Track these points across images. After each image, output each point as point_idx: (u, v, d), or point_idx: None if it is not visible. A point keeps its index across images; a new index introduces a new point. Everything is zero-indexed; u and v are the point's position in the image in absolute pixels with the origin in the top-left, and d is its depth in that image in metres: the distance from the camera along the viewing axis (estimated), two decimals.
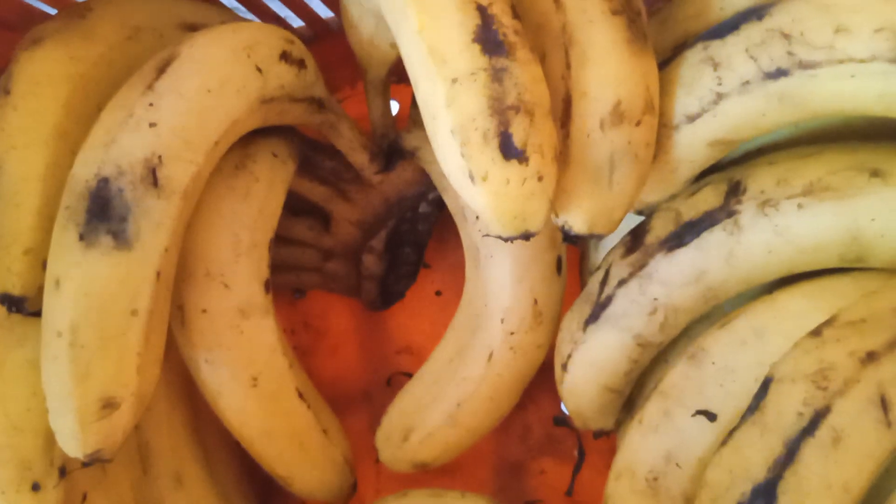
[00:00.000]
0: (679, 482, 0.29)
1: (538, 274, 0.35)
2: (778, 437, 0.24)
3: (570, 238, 0.29)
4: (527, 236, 0.26)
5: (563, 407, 0.41)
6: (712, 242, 0.29)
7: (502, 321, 0.35)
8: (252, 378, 0.34)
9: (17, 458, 0.29)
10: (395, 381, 0.43)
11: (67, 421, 0.27)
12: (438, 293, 0.43)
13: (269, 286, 0.34)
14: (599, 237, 0.29)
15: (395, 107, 0.46)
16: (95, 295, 0.27)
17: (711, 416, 0.29)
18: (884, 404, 0.24)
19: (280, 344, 0.35)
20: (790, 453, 0.24)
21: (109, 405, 0.27)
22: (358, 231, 0.40)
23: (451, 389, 0.36)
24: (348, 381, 0.43)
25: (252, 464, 0.41)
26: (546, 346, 0.36)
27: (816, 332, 0.26)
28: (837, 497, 0.24)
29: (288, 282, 0.42)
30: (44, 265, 0.29)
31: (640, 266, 0.31)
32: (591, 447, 0.40)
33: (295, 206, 0.39)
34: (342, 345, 0.43)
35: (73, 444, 0.27)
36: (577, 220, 0.28)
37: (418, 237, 0.41)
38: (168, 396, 0.37)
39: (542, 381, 0.39)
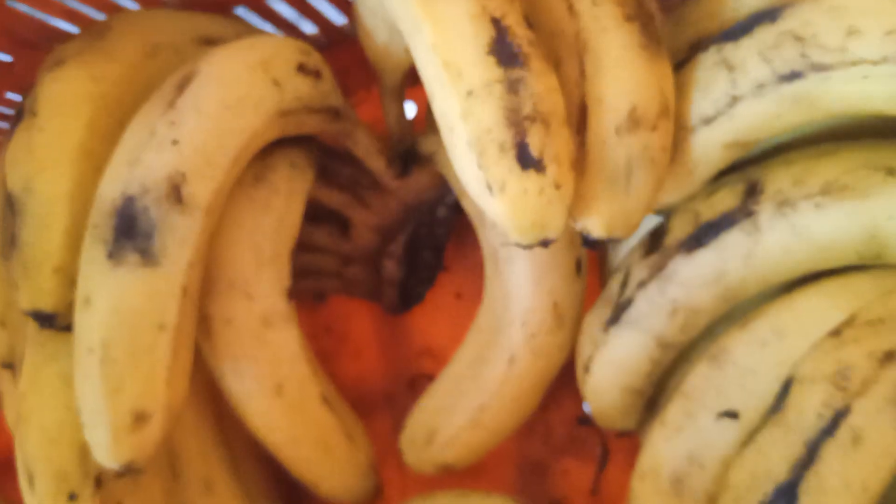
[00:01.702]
0: (702, 482, 0.30)
1: (558, 276, 0.35)
2: (799, 438, 0.25)
3: (589, 243, 0.29)
4: (545, 243, 0.26)
5: (585, 406, 0.41)
6: (731, 243, 0.30)
7: (523, 324, 0.35)
8: (277, 386, 0.35)
9: (54, 470, 0.29)
10: (416, 383, 0.43)
11: (101, 434, 0.28)
12: (458, 296, 0.43)
13: (290, 295, 0.35)
14: (618, 241, 0.29)
15: (411, 108, 0.47)
16: (124, 311, 0.27)
17: (733, 417, 0.29)
18: None
19: (303, 351, 0.36)
20: (811, 454, 0.24)
21: (141, 418, 0.28)
22: (377, 236, 0.40)
23: (474, 392, 0.37)
24: (371, 385, 0.44)
25: (279, 468, 0.42)
26: (567, 349, 0.37)
27: (836, 333, 0.26)
28: (857, 496, 0.24)
29: (308, 287, 0.43)
30: (74, 282, 0.29)
31: (660, 268, 0.31)
32: (615, 446, 0.41)
33: (314, 213, 0.40)
34: (364, 349, 0.44)
35: (107, 456, 0.28)
36: (595, 226, 0.29)
37: (437, 241, 0.41)
38: (195, 405, 0.38)
39: (564, 381, 0.39)
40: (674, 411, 0.31)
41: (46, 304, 0.30)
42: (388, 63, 0.37)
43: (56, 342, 0.31)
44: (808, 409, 0.25)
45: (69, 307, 0.30)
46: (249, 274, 0.33)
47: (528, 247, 0.27)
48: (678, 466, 0.30)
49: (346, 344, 0.44)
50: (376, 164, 0.39)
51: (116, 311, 0.27)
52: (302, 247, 0.41)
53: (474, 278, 0.42)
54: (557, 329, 0.36)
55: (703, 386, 0.30)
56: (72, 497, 0.30)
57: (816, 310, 0.29)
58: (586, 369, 0.34)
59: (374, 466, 0.40)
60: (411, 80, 0.41)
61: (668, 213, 0.33)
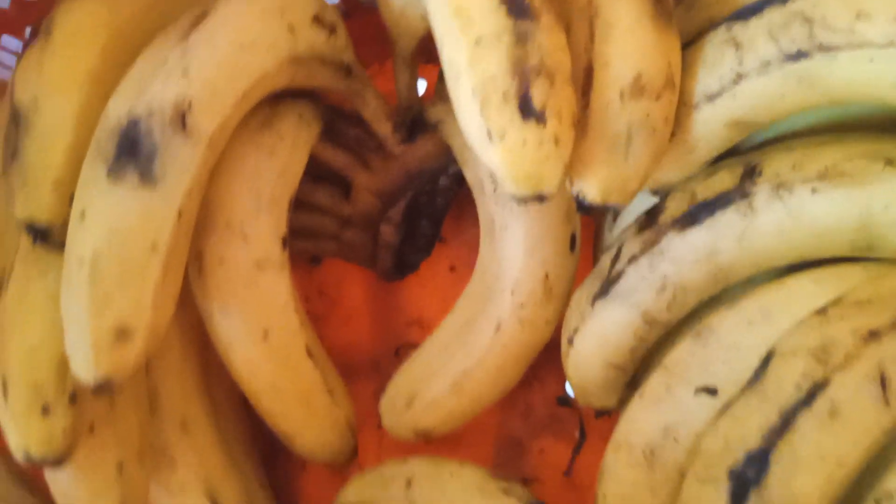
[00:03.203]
0: (675, 456, 0.30)
1: (551, 248, 0.35)
2: (775, 407, 0.25)
3: (583, 208, 0.29)
4: (541, 198, 0.27)
5: (567, 388, 0.41)
6: (725, 223, 0.30)
7: (512, 293, 0.35)
8: (263, 331, 0.35)
9: (31, 381, 0.29)
10: (403, 352, 0.43)
11: (82, 346, 0.28)
12: (452, 268, 0.43)
13: (286, 243, 0.35)
14: (614, 209, 0.29)
15: (422, 86, 0.47)
16: (118, 228, 0.28)
17: (713, 392, 0.29)
18: (883, 382, 0.24)
19: (293, 301, 0.36)
20: (786, 423, 0.24)
21: (124, 335, 0.28)
22: (377, 200, 0.40)
23: (458, 358, 0.37)
24: (358, 351, 0.44)
25: (257, 423, 0.42)
26: (554, 323, 0.37)
27: (822, 311, 0.26)
28: (830, 470, 0.24)
29: (305, 248, 0.43)
30: (71, 199, 0.30)
31: (653, 243, 0.31)
32: (593, 429, 0.41)
33: (316, 173, 0.40)
34: (354, 314, 0.44)
35: (85, 370, 0.28)
36: (591, 189, 0.29)
37: (436, 210, 0.41)
38: (181, 347, 0.38)
39: (548, 360, 0.39)
40: (653, 384, 0.31)
41: (42, 215, 0.30)
42: (404, 28, 0.37)
43: (47, 259, 0.31)
44: (787, 379, 0.25)
45: (64, 224, 0.30)
46: (247, 216, 0.34)
47: (523, 200, 0.27)
48: (652, 439, 0.30)
49: (338, 308, 0.44)
50: (383, 127, 0.39)
51: (110, 227, 0.28)
52: (302, 206, 0.41)
53: (470, 252, 0.42)
54: (546, 302, 0.36)
55: (685, 361, 0.30)
56: (45, 410, 0.30)
57: (805, 293, 0.29)
58: (570, 342, 0.34)
59: (353, 427, 0.40)
60: (424, 59, 0.41)
61: (665, 193, 0.33)
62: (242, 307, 0.34)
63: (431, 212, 0.41)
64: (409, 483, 0.37)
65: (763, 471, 0.24)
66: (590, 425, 0.41)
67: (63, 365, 0.30)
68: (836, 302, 0.26)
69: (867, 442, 0.24)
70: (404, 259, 0.42)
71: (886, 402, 0.24)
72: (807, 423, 0.24)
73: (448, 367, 0.37)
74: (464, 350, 0.37)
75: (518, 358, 0.37)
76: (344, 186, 0.41)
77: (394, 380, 0.40)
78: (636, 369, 0.34)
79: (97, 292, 0.27)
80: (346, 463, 0.41)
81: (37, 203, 0.30)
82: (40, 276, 0.30)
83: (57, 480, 0.33)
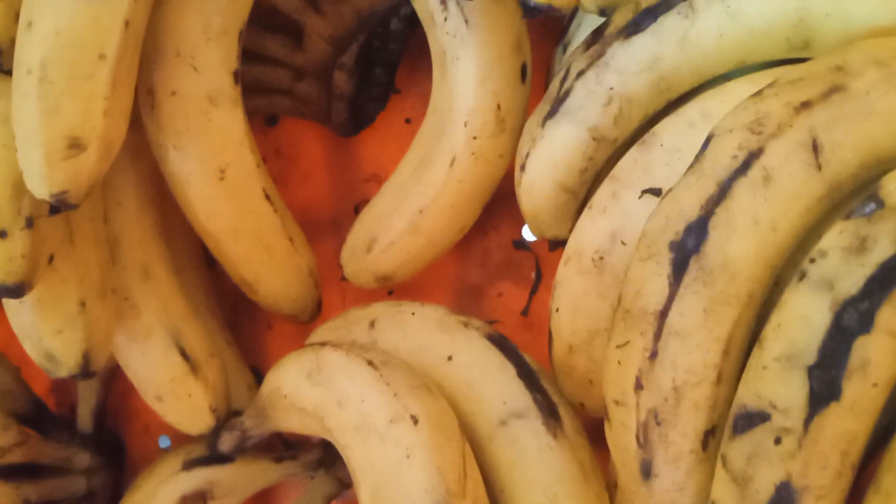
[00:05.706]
0: (623, 258, 0.31)
1: (502, 78, 0.35)
2: (712, 180, 0.26)
3: (529, 11, 0.30)
4: None
5: (523, 232, 0.42)
6: (667, 27, 0.30)
7: (465, 124, 0.36)
8: (219, 170, 0.35)
9: None
10: (362, 208, 0.44)
11: (35, 157, 0.28)
12: (408, 121, 0.44)
13: (237, 78, 0.35)
14: (558, 12, 0.30)
15: None
16: (66, 34, 0.28)
17: (657, 193, 0.30)
18: (815, 148, 0.25)
19: (248, 141, 0.36)
20: (723, 192, 0.25)
21: (76, 145, 0.28)
22: (329, 47, 0.40)
23: (414, 196, 0.38)
24: (317, 209, 0.44)
25: (219, 288, 0.42)
26: (507, 158, 0.37)
27: (757, 94, 0.27)
28: (765, 234, 0.25)
29: (260, 107, 0.43)
30: (17, 17, 0.29)
31: (599, 56, 0.32)
32: (548, 270, 0.42)
33: (268, 22, 0.40)
34: (312, 173, 0.44)
35: (39, 183, 0.28)
36: None
37: (389, 56, 0.41)
38: (138, 198, 0.38)
39: (504, 208, 0.40)
40: (600, 194, 0.32)
41: None
42: None
43: None
44: (723, 153, 0.26)
45: (12, 45, 0.30)
46: (196, 46, 0.33)
47: None
48: (601, 245, 0.31)
49: (296, 168, 0.45)
50: None
51: (57, 33, 0.28)
52: (254, 58, 0.41)
53: (425, 104, 0.43)
54: (499, 133, 0.36)
55: (630, 168, 0.31)
56: (2, 234, 0.30)
57: (745, 92, 0.30)
58: (522, 168, 0.34)
59: (315, 276, 0.40)
60: None
61: (612, 10, 0.33)
62: (197, 143, 0.34)
63: (385, 57, 0.41)
64: (372, 324, 0.38)
65: (702, 238, 0.25)
66: (545, 266, 0.42)
67: (18, 188, 0.30)
68: (771, 84, 0.27)
69: (800, 207, 0.25)
70: (360, 111, 0.42)
71: (818, 166, 0.25)
72: (742, 190, 0.25)
73: (405, 207, 0.38)
74: (420, 188, 0.37)
75: (472, 194, 0.38)
76: (296, 35, 0.41)
77: (354, 229, 0.40)
78: (587, 194, 0.35)
79: (47, 99, 0.27)
80: (311, 318, 0.42)
81: None
82: None
83: (20, 317, 0.34)
